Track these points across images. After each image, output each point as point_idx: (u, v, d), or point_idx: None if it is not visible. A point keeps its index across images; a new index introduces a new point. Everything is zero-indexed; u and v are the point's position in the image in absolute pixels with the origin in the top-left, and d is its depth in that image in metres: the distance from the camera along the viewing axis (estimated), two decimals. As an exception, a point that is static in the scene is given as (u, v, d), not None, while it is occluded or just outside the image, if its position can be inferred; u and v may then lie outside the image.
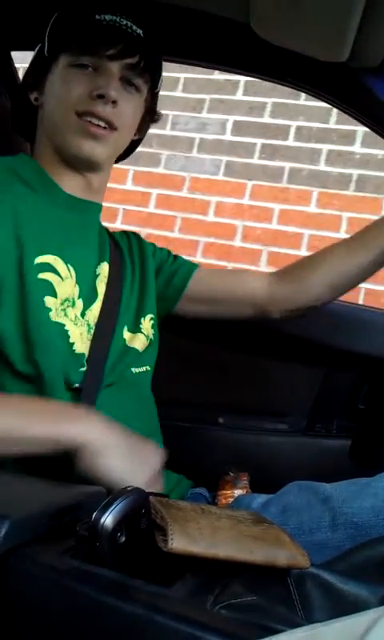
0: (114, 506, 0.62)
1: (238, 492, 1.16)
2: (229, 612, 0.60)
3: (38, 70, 1.09)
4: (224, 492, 1.16)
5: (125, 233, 1.29)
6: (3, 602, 0.61)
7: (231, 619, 0.59)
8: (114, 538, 0.61)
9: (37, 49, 1.10)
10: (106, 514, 0.61)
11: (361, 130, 2.98)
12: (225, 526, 0.69)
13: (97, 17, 1.04)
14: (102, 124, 1.04)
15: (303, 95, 3.06)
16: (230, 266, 3.07)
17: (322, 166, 3.05)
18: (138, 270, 1.22)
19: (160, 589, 0.60)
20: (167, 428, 1.21)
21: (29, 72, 1.12)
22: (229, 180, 3.20)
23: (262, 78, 1.31)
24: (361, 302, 2.86)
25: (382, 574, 0.74)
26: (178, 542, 0.64)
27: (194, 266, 1.29)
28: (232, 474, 1.18)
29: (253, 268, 3.03)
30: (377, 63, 1.11)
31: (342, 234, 2.96)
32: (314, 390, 1.56)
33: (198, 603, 0.61)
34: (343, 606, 0.68)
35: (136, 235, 1.30)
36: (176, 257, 1.31)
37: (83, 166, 1.09)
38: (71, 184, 1.10)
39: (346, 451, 1.46)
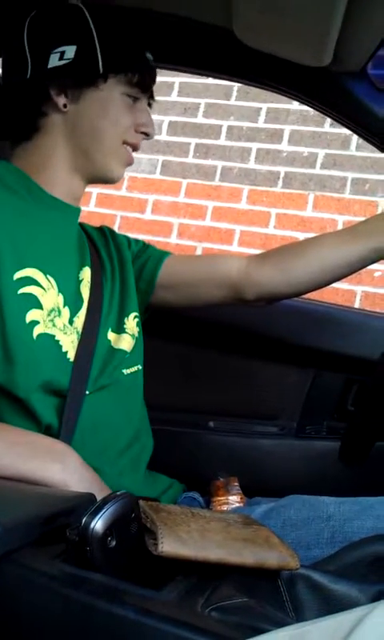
0: (103, 511, 0.62)
1: (232, 498, 1.16)
2: (219, 614, 0.60)
3: (80, 78, 1.06)
4: (218, 498, 1.16)
5: (98, 229, 1.28)
6: (-5, 608, 0.61)
7: (222, 621, 0.59)
8: (104, 543, 0.61)
9: (73, 54, 1.04)
10: (96, 519, 0.61)
11: (288, 128, 3.10)
12: (214, 528, 0.70)
13: (146, 53, 1.12)
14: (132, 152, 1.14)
15: (234, 95, 3.18)
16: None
17: (252, 164, 3.15)
18: (118, 268, 1.22)
19: (151, 592, 0.61)
20: (158, 432, 1.21)
21: (60, 74, 1.05)
22: (165, 179, 3.29)
23: (245, 83, 1.31)
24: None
25: (371, 573, 0.74)
26: (168, 546, 0.64)
27: (164, 254, 1.28)
28: (222, 479, 1.18)
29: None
30: (359, 67, 1.12)
31: (271, 230, 3.06)
32: (303, 392, 1.56)
33: (188, 606, 0.61)
34: (334, 606, 0.68)
35: (109, 229, 1.29)
36: (148, 247, 1.30)
37: (98, 181, 1.15)
38: (63, 190, 1.11)
39: (336, 453, 1.47)
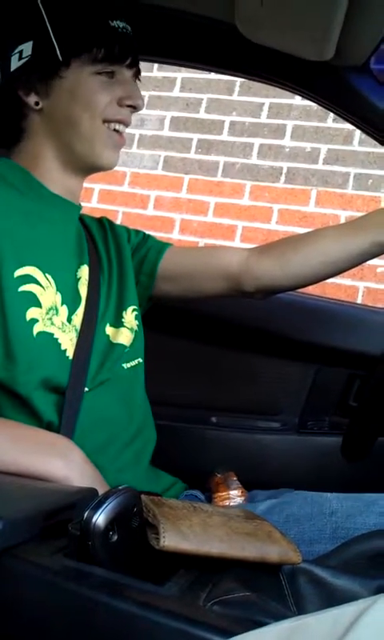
0: (105, 505, 0.62)
1: (233, 492, 1.16)
2: (221, 608, 0.60)
3: (42, 72, 1.05)
4: (219, 494, 1.16)
5: (98, 220, 1.27)
6: (-3, 602, 0.61)
7: (224, 615, 0.59)
8: (106, 537, 0.62)
9: (30, 50, 1.04)
10: (98, 513, 0.61)
11: (290, 123, 3.11)
12: (216, 523, 0.70)
13: (111, 23, 1.06)
14: (123, 130, 1.10)
15: (236, 90, 3.18)
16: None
17: (254, 160, 3.15)
18: (116, 262, 1.21)
19: (152, 586, 0.61)
20: (160, 428, 1.21)
21: (23, 74, 1.05)
22: (167, 174, 3.29)
23: (248, 78, 1.31)
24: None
25: (372, 568, 0.74)
26: (169, 540, 0.64)
27: (164, 246, 1.27)
28: (220, 475, 1.18)
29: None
30: (361, 62, 1.11)
31: (274, 225, 3.07)
32: (305, 388, 1.56)
33: (190, 600, 0.61)
34: (335, 601, 0.68)
35: (108, 221, 1.28)
36: (148, 239, 1.29)
37: (92, 171, 1.14)
38: (60, 188, 1.11)
39: (338, 448, 1.47)
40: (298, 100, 3.05)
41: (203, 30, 1.17)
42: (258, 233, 3.08)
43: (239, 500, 1.16)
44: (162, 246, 1.27)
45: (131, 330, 1.17)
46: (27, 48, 1.04)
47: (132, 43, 1.09)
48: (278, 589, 0.69)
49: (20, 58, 1.04)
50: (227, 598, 0.62)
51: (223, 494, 1.15)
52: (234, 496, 1.16)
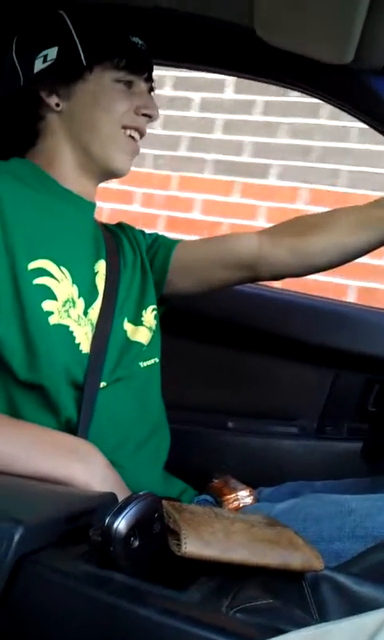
0: (126, 511, 0.61)
1: (241, 493, 1.15)
2: (244, 615, 0.60)
3: (66, 75, 1.08)
4: (227, 497, 1.15)
5: (117, 225, 1.29)
6: (17, 607, 0.61)
7: (246, 622, 0.59)
8: (127, 543, 0.61)
9: (55, 55, 1.08)
10: (119, 519, 0.61)
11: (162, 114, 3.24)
12: (238, 529, 0.69)
13: (131, 39, 1.12)
14: (138, 139, 1.14)
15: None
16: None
17: None
18: (139, 260, 1.22)
19: (174, 593, 0.60)
20: (175, 432, 1.20)
21: (47, 76, 1.08)
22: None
23: (264, 81, 1.31)
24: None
25: (396, 575, 0.73)
26: (191, 546, 0.64)
27: (174, 242, 1.28)
28: (217, 480, 1.17)
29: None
30: (381, 65, 1.10)
31: (136, 207, 3.27)
32: (324, 393, 1.55)
33: (212, 607, 0.60)
34: (359, 608, 0.67)
35: (126, 225, 1.30)
36: (159, 238, 1.30)
37: (107, 177, 1.17)
38: (73, 188, 1.13)
39: (357, 454, 1.46)
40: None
41: (221, 33, 1.17)
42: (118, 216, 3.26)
43: (249, 500, 1.15)
44: (171, 243, 1.28)
45: (150, 329, 1.17)
46: (52, 52, 1.08)
47: (149, 59, 1.14)
48: (300, 596, 0.68)
49: (44, 61, 1.08)
50: (250, 606, 0.61)
51: (231, 496, 1.14)
52: (243, 497, 1.15)
